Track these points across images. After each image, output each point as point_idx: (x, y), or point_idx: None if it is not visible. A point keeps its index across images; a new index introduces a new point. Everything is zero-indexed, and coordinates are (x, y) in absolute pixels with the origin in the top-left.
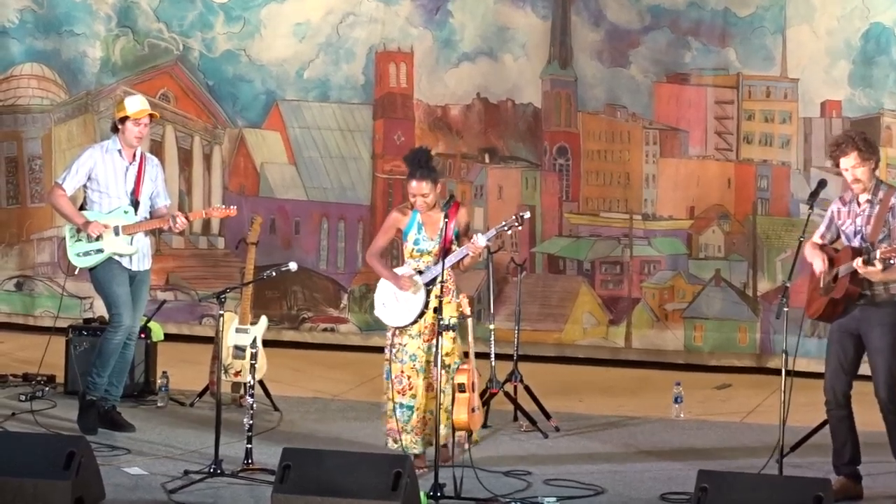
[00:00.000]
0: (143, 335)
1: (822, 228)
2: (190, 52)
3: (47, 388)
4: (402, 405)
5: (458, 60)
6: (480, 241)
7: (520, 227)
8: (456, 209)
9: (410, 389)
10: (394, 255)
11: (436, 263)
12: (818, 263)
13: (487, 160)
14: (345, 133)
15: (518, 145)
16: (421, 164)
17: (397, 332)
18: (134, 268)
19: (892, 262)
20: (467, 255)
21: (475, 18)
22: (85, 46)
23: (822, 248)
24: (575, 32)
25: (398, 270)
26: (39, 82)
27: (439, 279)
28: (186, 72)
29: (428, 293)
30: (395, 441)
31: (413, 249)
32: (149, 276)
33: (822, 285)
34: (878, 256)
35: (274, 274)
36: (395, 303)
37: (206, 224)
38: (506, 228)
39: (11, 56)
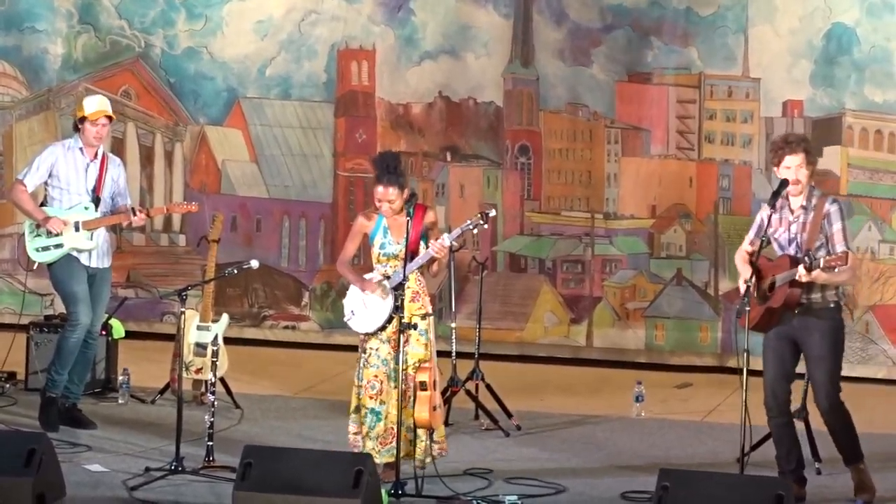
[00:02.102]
0: (103, 332)
1: (751, 235)
2: (151, 49)
3: (8, 385)
4: (372, 410)
5: (420, 59)
6: (446, 240)
7: (485, 226)
8: (422, 212)
9: (381, 395)
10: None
11: (403, 267)
12: (744, 277)
13: (449, 158)
14: (306, 131)
15: (480, 144)
16: (389, 169)
17: (368, 337)
18: (93, 265)
19: (836, 269)
20: (433, 256)
21: (437, 17)
22: (46, 43)
23: (751, 256)
24: (537, 31)
25: (366, 276)
26: (0, 79)
27: (406, 283)
28: (148, 69)
29: (396, 298)
30: (357, 447)
31: (379, 254)
32: (109, 273)
33: (756, 295)
34: (821, 265)
35: (235, 271)
36: (363, 309)
37: (168, 221)
38: (471, 227)
39: None
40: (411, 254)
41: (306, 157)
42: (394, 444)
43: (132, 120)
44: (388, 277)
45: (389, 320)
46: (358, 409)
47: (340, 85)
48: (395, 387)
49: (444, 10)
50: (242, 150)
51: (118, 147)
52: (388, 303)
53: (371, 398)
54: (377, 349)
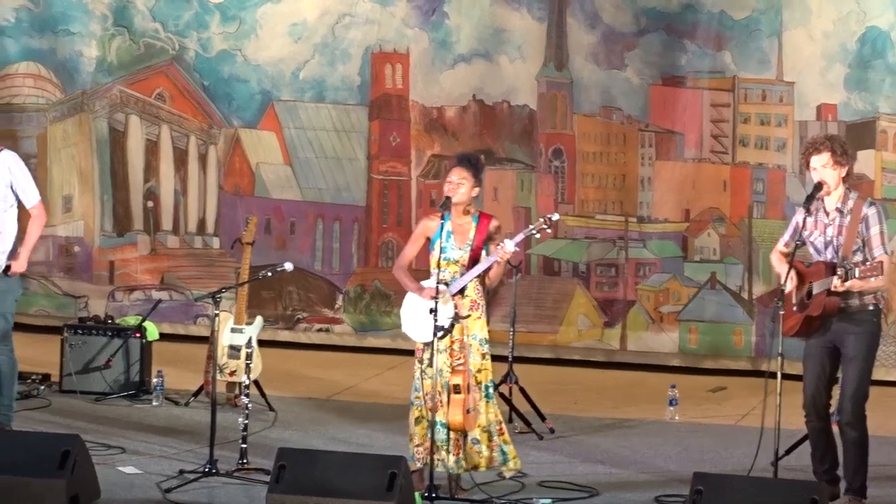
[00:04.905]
0: (137, 335)
1: (786, 236)
2: (186, 51)
3: (42, 387)
4: (437, 422)
5: (454, 62)
6: (509, 246)
7: (549, 230)
8: (487, 221)
9: (442, 406)
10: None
11: (462, 274)
12: (788, 285)
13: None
14: (340, 134)
15: (514, 147)
16: (471, 160)
17: (425, 347)
18: None
19: (872, 279)
20: (495, 262)
21: (471, 20)
22: (81, 46)
23: (788, 259)
24: (571, 34)
25: (424, 283)
26: (35, 81)
27: (465, 290)
28: (182, 71)
29: (455, 306)
30: (424, 462)
31: (440, 257)
32: (6, 283)
33: (794, 301)
34: (857, 276)
35: (269, 274)
36: (419, 317)
37: (202, 223)
38: (534, 232)
39: (7, 55)
40: (473, 261)
41: (340, 160)
42: (462, 455)
43: (166, 122)
44: (446, 284)
45: (451, 329)
46: (419, 421)
47: (374, 88)
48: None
49: (478, 13)
50: (276, 152)
51: (152, 149)
52: (448, 310)
53: (431, 410)
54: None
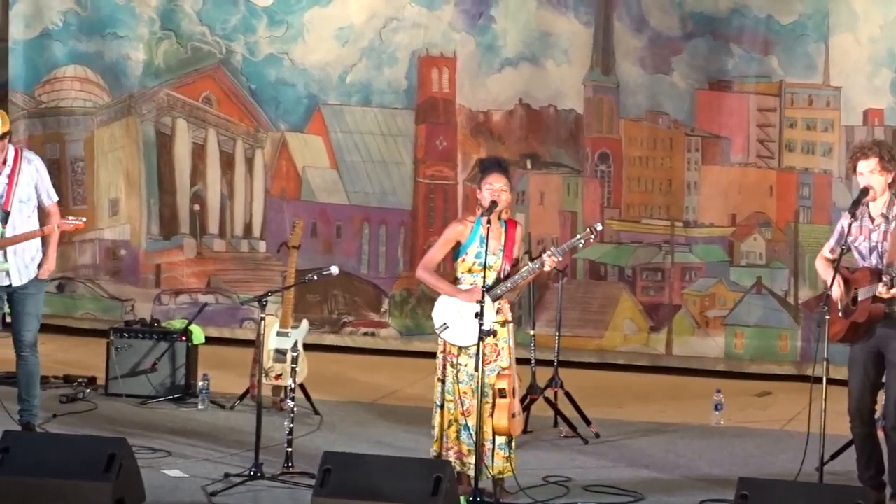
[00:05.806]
0: (183, 338)
1: (831, 242)
2: (233, 55)
3: (88, 390)
4: (465, 426)
5: (501, 66)
6: (557, 254)
7: (593, 240)
8: (514, 227)
9: (474, 411)
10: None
11: (497, 280)
12: (835, 290)
13: (529, 166)
14: (387, 137)
15: (560, 151)
16: (500, 164)
17: (456, 351)
18: (14, 283)
19: None
20: (541, 269)
21: (518, 24)
22: (128, 49)
23: (834, 264)
24: (617, 39)
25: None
26: (82, 84)
27: (505, 295)
28: (229, 75)
29: (497, 311)
30: (464, 465)
31: (474, 263)
32: (37, 286)
33: (839, 307)
34: None
35: (315, 278)
36: (460, 321)
37: (248, 227)
38: (580, 241)
39: (55, 58)
40: (507, 265)
41: (386, 163)
42: (485, 459)
43: (213, 126)
44: (489, 289)
45: (494, 333)
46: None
47: (421, 92)
48: (485, 401)
49: (524, 17)
50: (323, 156)
51: (199, 153)
52: (491, 314)
53: (463, 415)
54: (466, 365)
